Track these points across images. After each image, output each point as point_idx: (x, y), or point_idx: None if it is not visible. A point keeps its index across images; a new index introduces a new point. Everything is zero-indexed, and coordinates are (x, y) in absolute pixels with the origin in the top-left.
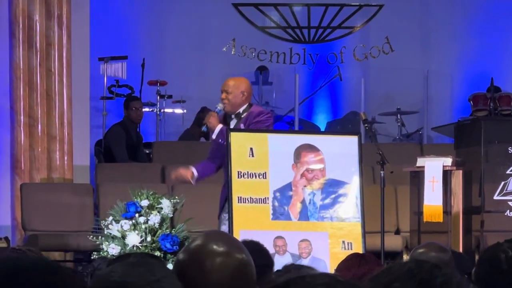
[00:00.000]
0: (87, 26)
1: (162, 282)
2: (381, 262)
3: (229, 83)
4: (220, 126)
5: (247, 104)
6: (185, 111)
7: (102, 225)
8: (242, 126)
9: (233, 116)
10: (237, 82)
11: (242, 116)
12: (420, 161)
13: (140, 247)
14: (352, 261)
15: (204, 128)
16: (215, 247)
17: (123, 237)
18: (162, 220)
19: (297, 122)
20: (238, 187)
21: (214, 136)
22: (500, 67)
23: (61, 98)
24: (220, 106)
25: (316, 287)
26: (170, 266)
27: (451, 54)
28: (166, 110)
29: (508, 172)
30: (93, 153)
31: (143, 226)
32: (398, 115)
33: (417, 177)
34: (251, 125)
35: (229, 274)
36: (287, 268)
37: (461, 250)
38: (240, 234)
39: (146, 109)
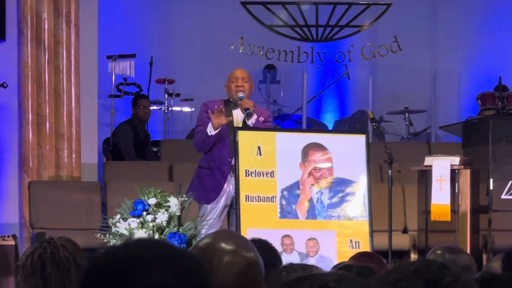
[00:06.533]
0: (95, 24)
1: None
2: (388, 262)
3: (246, 73)
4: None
5: None
6: (193, 109)
7: (109, 223)
8: (255, 117)
9: (233, 105)
10: (249, 75)
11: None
12: (428, 160)
13: None
14: (358, 260)
15: (248, 112)
16: (223, 245)
17: (131, 235)
18: (170, 218)
19: (305, 120)
20: (246, 186)
21: (213, 133)
22: (508, 66)
23: (69, 96)
24: (241, 94)
25: (327, 283)
26: None
27: (459, 53)
28: (174, 108)
29: None
30: (101, 151)
31: (151, 224)
32: (406, 114)
33: (425, 176)
34: (264, 123)
35: (236, 272)
36: (292, 267)
37: (468, 249)
38: (248, 232)
39: (154, 107)
